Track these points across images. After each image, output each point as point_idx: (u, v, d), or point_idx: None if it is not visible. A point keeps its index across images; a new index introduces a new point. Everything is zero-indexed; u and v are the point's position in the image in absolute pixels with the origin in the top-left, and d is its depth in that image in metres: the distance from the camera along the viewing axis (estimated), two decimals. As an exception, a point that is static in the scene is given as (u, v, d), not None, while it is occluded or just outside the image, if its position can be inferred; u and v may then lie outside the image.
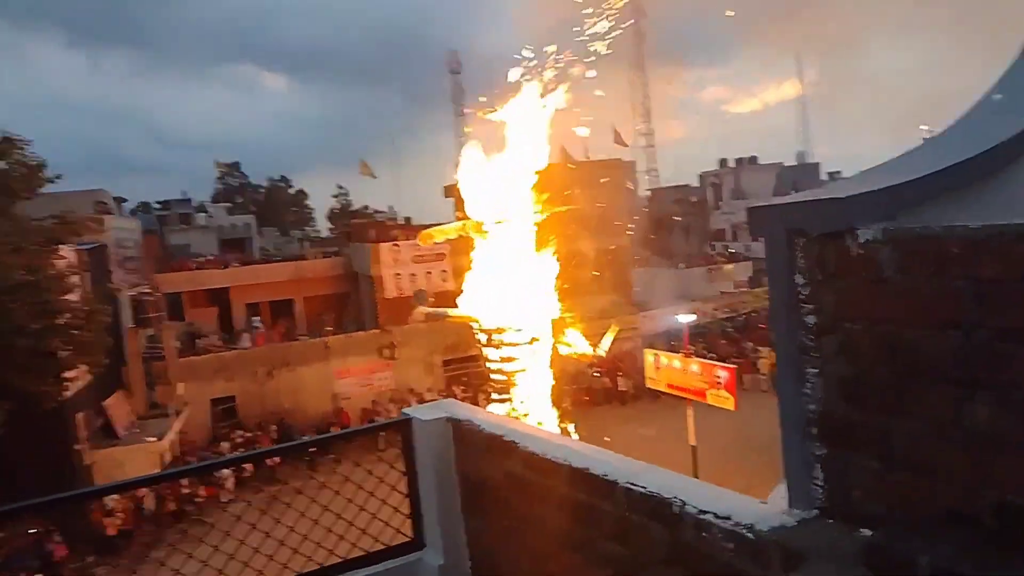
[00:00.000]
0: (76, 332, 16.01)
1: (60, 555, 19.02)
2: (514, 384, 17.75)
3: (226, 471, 23.68)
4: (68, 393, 19.76)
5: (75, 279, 17.82)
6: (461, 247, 25.51)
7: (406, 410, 2.81)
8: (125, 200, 49.26)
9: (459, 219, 37.75)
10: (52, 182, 17.35)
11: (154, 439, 22.74)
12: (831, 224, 1.36)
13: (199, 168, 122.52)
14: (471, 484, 2.55)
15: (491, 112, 20.62)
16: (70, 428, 20.11)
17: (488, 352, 18.08)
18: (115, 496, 20.73)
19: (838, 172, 61.94)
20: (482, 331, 18.59)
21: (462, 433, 2.56)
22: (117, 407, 23.59)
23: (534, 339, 18.32)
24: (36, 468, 18.22)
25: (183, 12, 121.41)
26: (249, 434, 26.41)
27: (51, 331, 15.16)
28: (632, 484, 1.78)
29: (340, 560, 2.67)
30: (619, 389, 29.26)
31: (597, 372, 30.26)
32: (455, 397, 28.97)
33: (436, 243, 20.79)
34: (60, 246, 17.03)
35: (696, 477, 19.73)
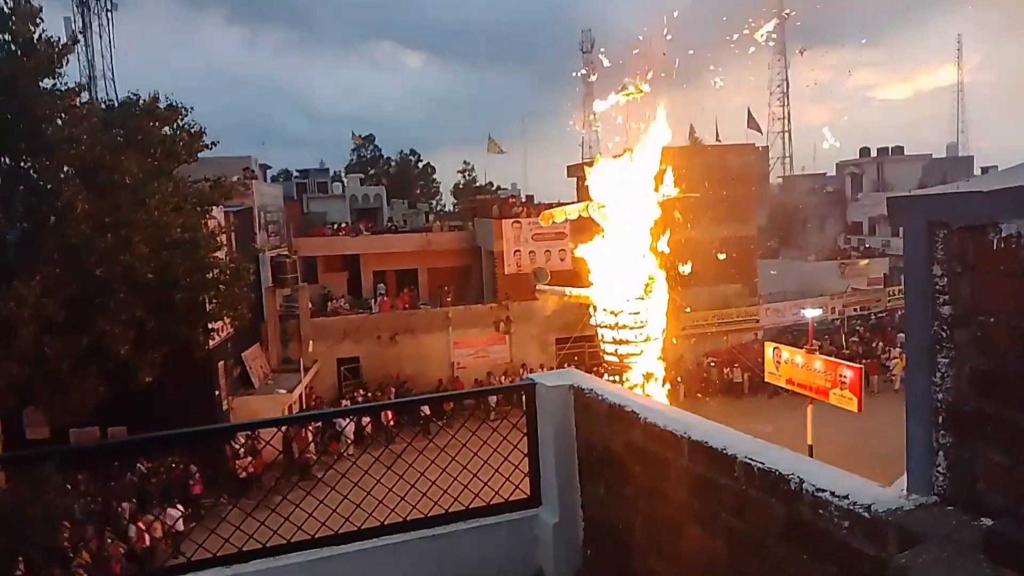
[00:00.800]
0: (223, 287, 17.27)
1: (197, 492, 20.76)
2: (629, 367, 17.75)
3: (349, 427, 25.12)
4: (212, 343, 21.50)
5: (223, 239, 19.20)
6: (583, 227, 25.55)
7: (530, 375, 2.96)
8: (269, 167, 52.43)
9: (581, 199, 37.74)
10: (209, 148, 18.72)
11: (285, 391, 24.30)
12: (973, 217, 1.37)
13: (337, 140, 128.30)
14: (589, 450, 2.68)
15: (627, 92, 20.45)
16: (214, 375, 21.81)
17: (603, 333, 18.14)
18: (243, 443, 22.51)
19: (994, 167, 57.25)
20: (598, 311, 18.66)
21: (584, 401, 2.68)
22: (254, 359, 25.34)
23: (644, 323, 18.18)
24: (183, 410, 19.92)
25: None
26: (369, 394, 27.72)
27: (203, 285, 16.47)
28: (751, 459, 1.85)
29: (463, 508, 2.87)
30: (735, 382, 28.49)
31: (712, 362, 29.67)
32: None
33: (557, 223, 20.83)
34: (213, 207, 18.36)
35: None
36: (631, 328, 17.72)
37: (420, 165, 79.63)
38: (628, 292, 18.15)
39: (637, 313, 18.06)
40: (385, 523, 2.74)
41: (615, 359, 18.02)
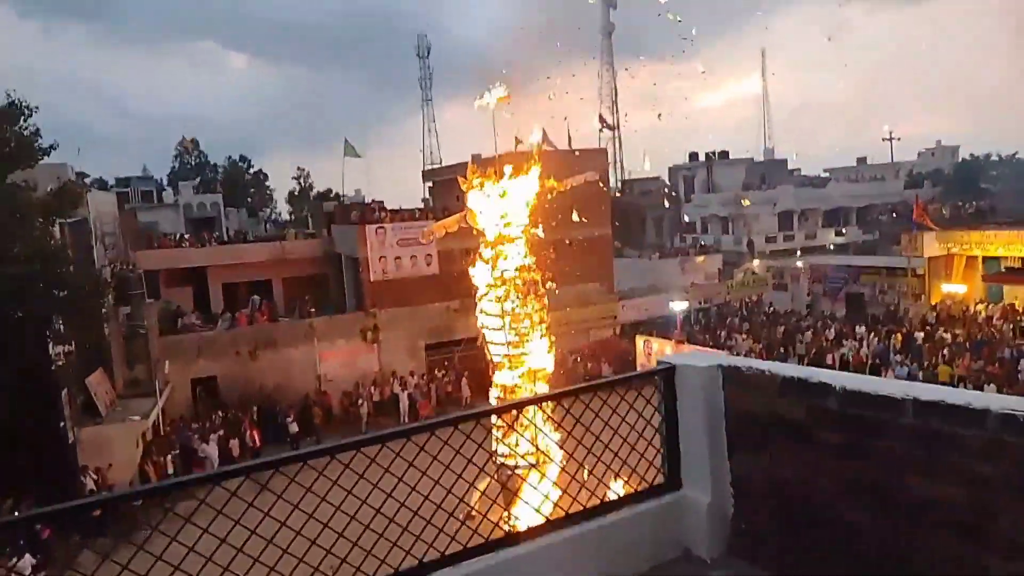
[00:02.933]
0: (75, 306, 15.65)
1: (47, 535, 18.60)
2: (521, 364, 17.95)
3: (212, 451, 23.52)
4: (52, 368, 19.35)
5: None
6: (448, 232, 25.58)
7: (666, 357, 2.98)
8: (87, 176, 47.96)
9: (436, 204, 37.66)
10: (48, 154, 16.88)
11: (139, 417, 22.35)
12: None
13: (156, 145, 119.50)
14: (746, 425, 2.74)
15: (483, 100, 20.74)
16: (58, 405, 19.62)
17: (492, 336, 18.19)
18: (95, 478, 20.50)
19: (798, 170, 63.64)
20: (481, 314, 18.75)
21: (740, 378, 2.74)
22: (99, 384, 23.06)
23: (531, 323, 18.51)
24: (25, 446, 17.81)
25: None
26: (228, 414, 26.12)
27: (53, 304, 14.81)
28: (1010, 410, 1.99)
29: (600, 502, 2.83)
30: (602, 375, 29.60)
31: (578, 358, 30.68)
32: (439, 381, 29.08)
33: (439, 237, 20.68)
34: (56, 219, 16.60)
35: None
36: (514, 328, 17.91)
37: (251, 172, 76.22)
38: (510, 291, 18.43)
39: (520, 314, 18.33)
40: (550, 518, 2.65)
41: (502, 359, 18.15)
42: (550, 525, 2.69)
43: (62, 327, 16.38)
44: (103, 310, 17.26)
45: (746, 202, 45.76)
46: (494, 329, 18.06)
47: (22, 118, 14.72)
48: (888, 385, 2.33)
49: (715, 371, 2.82)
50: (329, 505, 2.44)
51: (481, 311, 18.38)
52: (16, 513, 18.06)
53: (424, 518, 2.49)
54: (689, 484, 2.91)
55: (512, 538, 2.58)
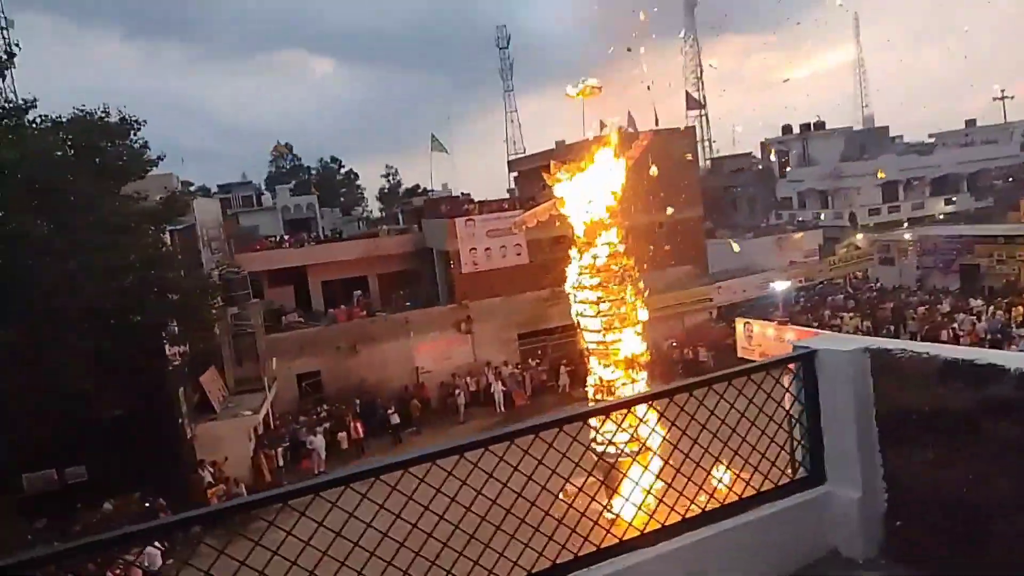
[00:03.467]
0: (188, 308, 16.40)
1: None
2: (616, 352, 17.75)
3: (319, 443, 24.31)
4: (169, 369, 20.41)
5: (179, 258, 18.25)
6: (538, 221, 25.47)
7: (804, 341, 2.76)
8: (192, 184, 50.40)
9: (522, 193, 37.62)
10: (155, 165, 17.74)
11: (250, 412, 23.31)
12: None
13: (251, 152, 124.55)
14: (901, 416, 2.50)
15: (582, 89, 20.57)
16: (175, 403, 20.70)
17: (585, 323, 18.05)
18: (212, 471, 21.50)
19: (900, 136, 60.18)
20: (575, 303, 18.62)
21: (893, 363, 2.50)
22: (212, 382, 24.21)
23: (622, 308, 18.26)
24: (146, 443, 18.84)
25: (228, 3, 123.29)
26: (331, 407, 26.92)
27: (166, 308, 15.58)
28: None
29: (737, 498, 2.64)
30: (700, 361, 28.92)
31: (674, 343, 30.05)
32: (533, 370, 29.09)
33: (531, 227, 20.63)
34: (166, 226, 17.43)
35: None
36: (609, 315, 17.72)
37: (342, 172, 78.37)
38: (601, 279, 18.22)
39: (613, 299, 18.09)
40: (686, 516, 2.49)
41: (598, 347, 17.99)
42: (686, 524, 2.53)
43: (176, 329, 17.18)
44: (213, 311, 18.00)
45: (881, 175, 43.26)
46: (589, 316, 17.98)
47: (132, 132, 15.56)
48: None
49: (862, 355, 2.58)
50: (453, 503, 2.34)
51: (575, 299, 18.31)
52: (147, 504, 19.22)
53: (556, 518, 2.37)
54: (835, 479, 2.68)
55: (647, 538, 2.44)
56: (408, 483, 2.22)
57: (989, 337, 26.63)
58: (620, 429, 2.79)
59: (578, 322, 18.47)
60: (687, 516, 2.50)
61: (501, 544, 2.27)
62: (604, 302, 17.55)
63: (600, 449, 3.13)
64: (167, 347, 18.02)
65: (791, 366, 2.70)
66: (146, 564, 17.24)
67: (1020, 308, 28.63)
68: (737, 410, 2.67)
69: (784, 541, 2.62)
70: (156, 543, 17.86)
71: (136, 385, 17.09)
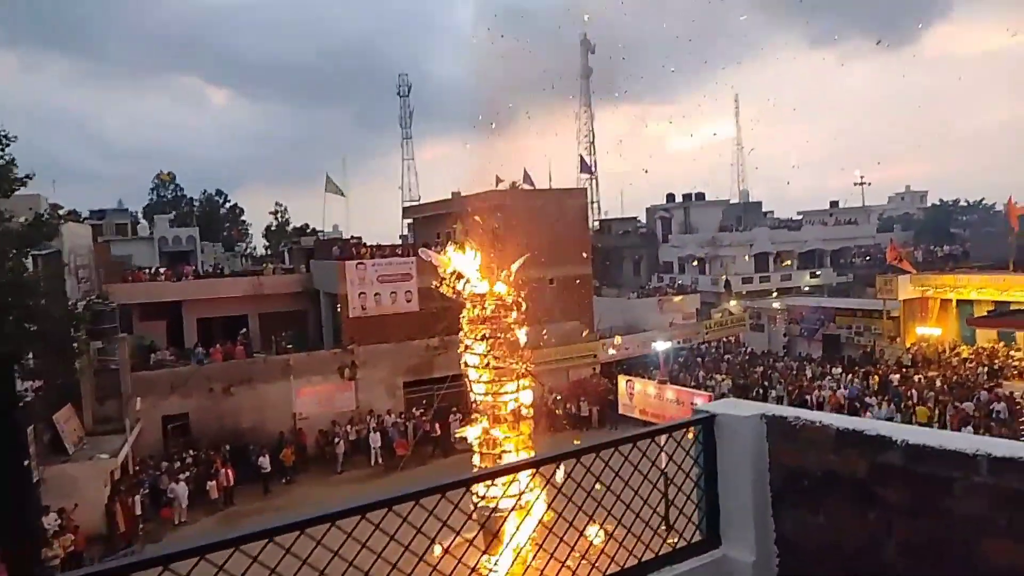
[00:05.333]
0: (47, 340, 15.16)
1: (5, 578, 17.75)
2: (503, 405, 17.72)
3: (182, 491, 22.79)
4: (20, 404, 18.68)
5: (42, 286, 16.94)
6: (429, 268, 25.41)
7: (704, 406, 2.83)
8: (61, 207, 47.19)
9: (417, 241, 37.49)
10: (24, 184, 16.51)
11: (107, 455, 21.62)
12: None
13: (132, 178, 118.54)
14: (794, 480, 2.59)
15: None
16: (23, 442, 18.89)
17: (474, 374, 17.98)
18: (59, 520, 19.70)
19: (771, 212, 64.64)
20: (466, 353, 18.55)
21: (788, 430, 2.59)
22: (66, 421, 22.33)
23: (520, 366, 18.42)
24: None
25: (127, 18, 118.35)
26: (200, 453, 25.42)
27: (25, 338, 14.33)
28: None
29: (637, 561, 2.65)
30: (582, 415, 29.37)
31: (558, 397, 30.40)
32: (416, 419, 28.57)
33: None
34: (30, 250, 16.18)
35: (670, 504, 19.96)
36: (501, 367, 17.76)
37: (227, 206, 75.90)
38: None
39: (503, 354, 18.17)
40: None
41: (487, 398, 17.92)
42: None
43: (32, 361, 15.81)
44: (75, 344, 16.70)
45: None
46: (476, 368, 17.94)
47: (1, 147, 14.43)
48: (955, 440, 2.20)
49: (758, 421, 2.68)
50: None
51: (465, 354, 18.25)
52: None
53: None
54: (730, 542, 2.74)
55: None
56: (275, 550, 2.05)
57: (847, 403, 28.49)
58: (505, 492, 2.76)
59: (467, 374, 18.40)
60: (587, 581, 2.48)
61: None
62: (491, 356, 17.57)
63: (480, 504, 3.06)
64: (20, 380, 16.52)
65: (691, 429, 2.76)
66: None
67: (876, 377, 30.85)
68: (640, 472, 2.70)
69: (682, 604, 2.64)
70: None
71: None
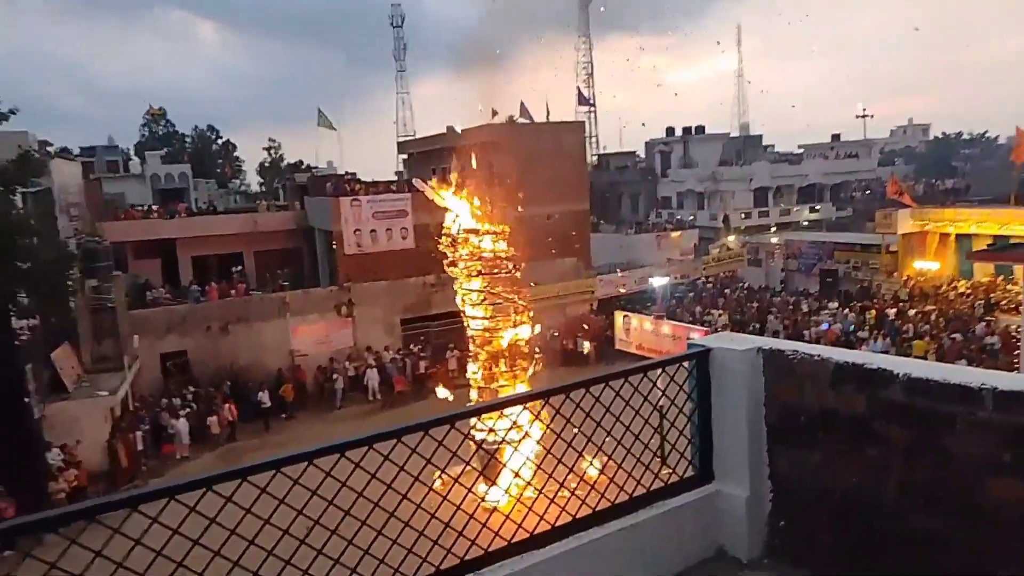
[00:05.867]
0: (39, 279, 15.03)
1: (9, 515, 18.03)
2: (499, 338, 17.82)
3: (183, 427, 23.04)
4: (16, 343, 18.70)
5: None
6: (425, 205, 25.15)
7: (699, 340, 2.73)
8: (50, 145, 46.46)
9: (412, 175, 37.12)
10: (6, 118, 16.11)
11: (106, 394, 21.77)
12: None
13: (123, 116, 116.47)
14: (791, 416, 2.50)
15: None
16: (22, 380, 18.97)
17: (471, 311, 18.01)
18: (62, 456, 19.94)
19: (772, 146, 63.78)
20: (460, 289, 18.52)
21: (786, 364, 2.49)
22: (64, 359, 22.40)
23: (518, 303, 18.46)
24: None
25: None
26: (200, 390, 25.59)
27: (17, 277, 14.20)
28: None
29: (628, 497, 2.58)
30: (579, 352, 29.52)
31: (555, 333, 30.49)
32: (414, 356, 28.68)
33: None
34: (17, 188, 15.90)
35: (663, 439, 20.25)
36: (498, 303, 17.77)
37: (219, 143, 74.69)
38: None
39: (500, 290, 18.15)
40: (576, 516, 2.40)
41: (485, 334, 17.99)
42: (577, 524, 2.43)
43: (26, 300, 15.72)
44: (69, 283, 16.58)
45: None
46: (473, 305, 17.96)
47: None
48: (959, 374, 2.09)
49: (755, 355, 2.57)
50: (331, 506, 2.12)
51: (461, 287, 18.23)
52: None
53: (441, 520, 2.21)
54: (723, 478, 2.67)
55: (536, 540, 2.32)
56: (281, 482, 1.99)
57: (843, 338, 28.64)
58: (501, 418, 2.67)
59: (464, 310, 18.42)
60: (577, 516, 2.41)
61: (381, 550, 2.09)
62: (489, 292, 17.57)
63: (480, 437, 3.01)
64: (14, 319, 16.46)
65: (685, 363, 2.66)
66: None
67: (873, 312, 30.92)
68: (632, 407, 2.60)
69: (673, 540, 2.58)
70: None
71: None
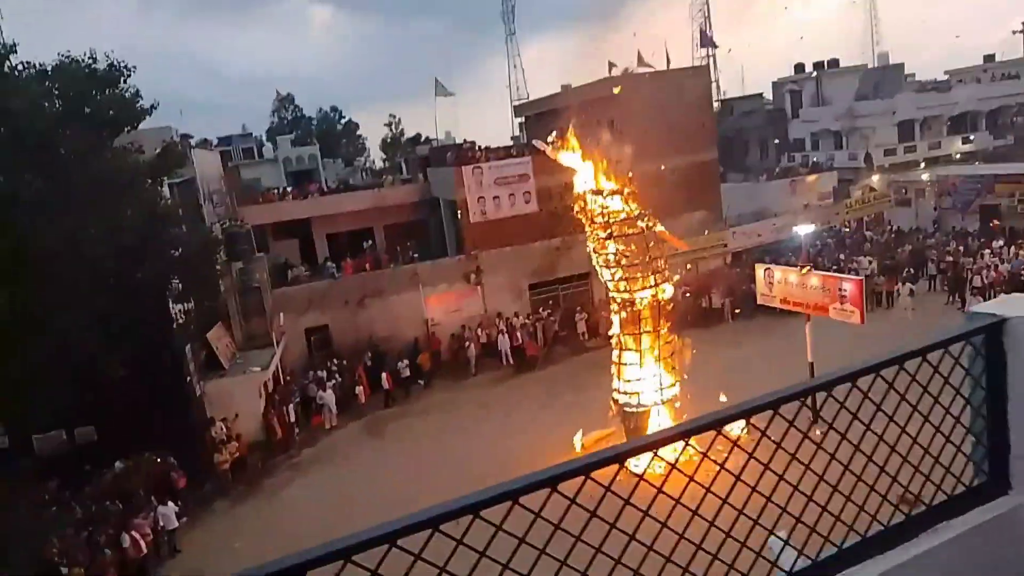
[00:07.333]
0: (190, 265, 15.78)
1: (182, 485, 19.35)
2: (633, 298, 17.34)
3: (330, 398, 23.95)
4: (174, 326, 19.92)
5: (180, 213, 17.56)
6: (546, 167, 24.64)
7: (987, 307, 2.11)
8: (191, 137, 49.24)
9: (529, 138, 36.63)
10: (149, 114, 16.84)
11: (258, 369, 22.90)
12: None
13: (251, 105, 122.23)
14: None
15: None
16: (182, 361, 20.25)
17: (606, 272, 17.55)
18: (225, 430, 21.13)
19: (912, 75, 58.29)
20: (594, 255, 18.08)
21: None
22: (219, 339, 23.73)
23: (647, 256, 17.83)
24: (154, 402, 18.47)
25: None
26: (344, 361, 26.47)
27: (170, 264, 14.95)
28: None
29: (905, 516, 2.02)
30: (713, 308, 28.34)
31: (687, 292, 29.40)
32: (544, 320, 28.45)
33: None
34: (164, 179, 16.68)
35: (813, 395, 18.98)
36: (633, 264, 17.23)
37: (342, 122, 76.86)
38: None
39: (633, 249, 17.57)
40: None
41: (625, 294, 17.52)
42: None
43: (180, 286, 16.59)
44: (217, 267, 17.35)
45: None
46: (610, 267, 17.46)
47: (121, 79, 14.65)
48: None
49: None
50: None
51: (596, 254, 17.77)
52: (158, 461, 18.90)
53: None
54: (1022, 487, 2.06)
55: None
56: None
57: (1010, 278, 25.95)
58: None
59: (601, 274, 17.98)
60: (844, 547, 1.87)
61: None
62: (624, 256, 17.06)
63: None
64: (171, 304, 17.44)
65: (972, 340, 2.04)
66: (161, 524, 17.19)
67: (1045, 248, 27.87)
68: (909, 403, 2.02)
69: (964, 566, 2.00)
70: (171, 502, 17.73)
71: (142, 344, 16.61)
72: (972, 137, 46.31)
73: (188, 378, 20.82)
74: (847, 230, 38.47)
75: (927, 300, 27.31)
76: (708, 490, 1.79)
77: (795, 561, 1.85)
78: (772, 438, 1.78)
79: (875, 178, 41.28)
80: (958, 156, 44.65)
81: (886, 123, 44.04)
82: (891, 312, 26.30)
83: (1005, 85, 48.78)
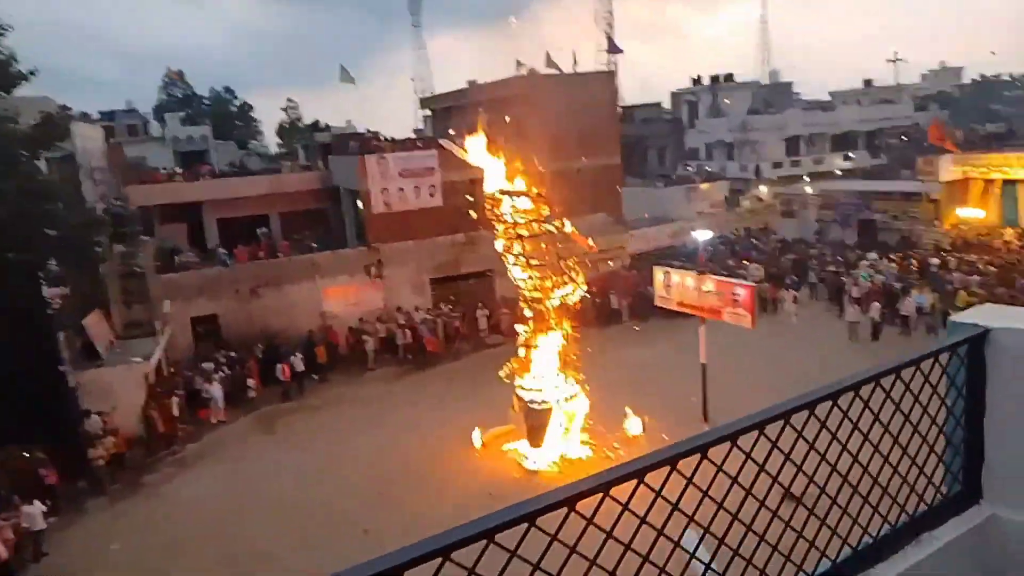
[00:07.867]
0: (68, 246, 14.59)
1: (52, 482, 17.95)
2: (548, 297, 17.40)
3: (217, 391, 22.82)
4: (48, 311, 18.40)
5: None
6: (452, 162, 24.39)
7: (968, 317, 2.09)
8: (69, 109, 45.79)
9: (435, 133, 36.32)
10: (26, 79, 15.47)
11: (140, 360, 21.52)
12: None
13: (142, 83, 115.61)
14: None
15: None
16: (55, 350, 18.73)
17: (518, 271, 17.52)
18: (102, 423, 19.76)
19: (798, 94, 61.73)
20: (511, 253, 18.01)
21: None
22: (96, 326, 22.15)
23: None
24: (27, 392, 17.04)
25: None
26: (233, 353, 25.32)
27: (46, 244, 13.75)
28: None
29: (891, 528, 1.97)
30: (613, 309, 28.90)
31: (589, 291, 29.84)
32: (445, 316, 28.20)
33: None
34: (43, 153, 15.36)
35: (704, 395, 19.78)
36: (542, 264, 17.29)
37: (236, 104, 73.82)
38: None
39: (543, 248, 17.63)
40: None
41: (536, 293, 17.54)
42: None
43: (56, 268, 15.31)
44: (98, 249, 16.12)
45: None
46: (522, 267, 17.47)
47: (-5, 38, 13.34)
48: None
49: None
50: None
51: (506, 254, 17.73)
52: (26, 456, 17.41)
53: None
54: (996, 498, 2.06)
55: None
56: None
57: (885, 289, 27.73)
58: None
59: (512, 272, 17.94)
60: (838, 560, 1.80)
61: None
62: (533, 257, 17.13)
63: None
64: (45, 288, 16.10)
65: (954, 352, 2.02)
66: (25, 525, 15.84)
67: (914, 262, 29.94)
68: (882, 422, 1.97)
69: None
70: (37, 501, 16.37)
71: (11, 329, 15.25)
72: (852, 155, 49.40)
73: (61, 367, 19.28)
74: (733, 236, 40.17)
75: (808, 307, 28.87)
76: (692, 518, 1.67)
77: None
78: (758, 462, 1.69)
79: (763, 189, 43.31)
80: (839, 172, 47.52)
81: (775, 138, 46.32)
82: (776, 317, 27.60)
83: (882, 108, 52.36)
